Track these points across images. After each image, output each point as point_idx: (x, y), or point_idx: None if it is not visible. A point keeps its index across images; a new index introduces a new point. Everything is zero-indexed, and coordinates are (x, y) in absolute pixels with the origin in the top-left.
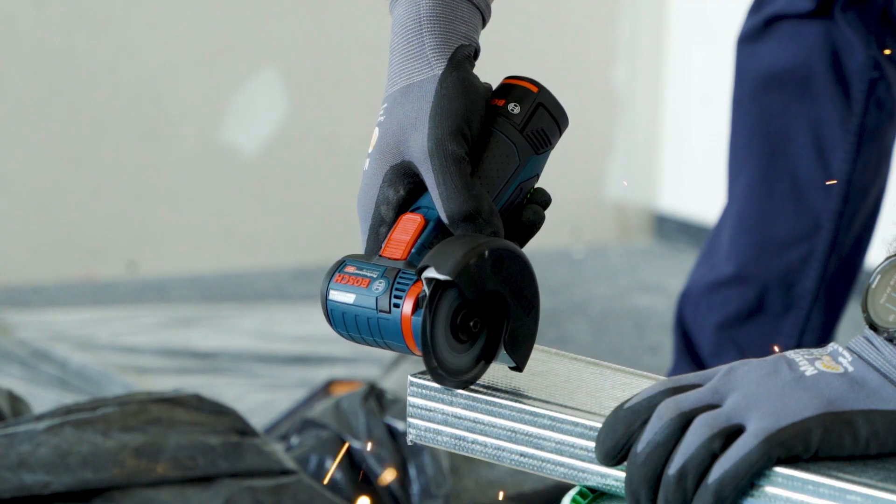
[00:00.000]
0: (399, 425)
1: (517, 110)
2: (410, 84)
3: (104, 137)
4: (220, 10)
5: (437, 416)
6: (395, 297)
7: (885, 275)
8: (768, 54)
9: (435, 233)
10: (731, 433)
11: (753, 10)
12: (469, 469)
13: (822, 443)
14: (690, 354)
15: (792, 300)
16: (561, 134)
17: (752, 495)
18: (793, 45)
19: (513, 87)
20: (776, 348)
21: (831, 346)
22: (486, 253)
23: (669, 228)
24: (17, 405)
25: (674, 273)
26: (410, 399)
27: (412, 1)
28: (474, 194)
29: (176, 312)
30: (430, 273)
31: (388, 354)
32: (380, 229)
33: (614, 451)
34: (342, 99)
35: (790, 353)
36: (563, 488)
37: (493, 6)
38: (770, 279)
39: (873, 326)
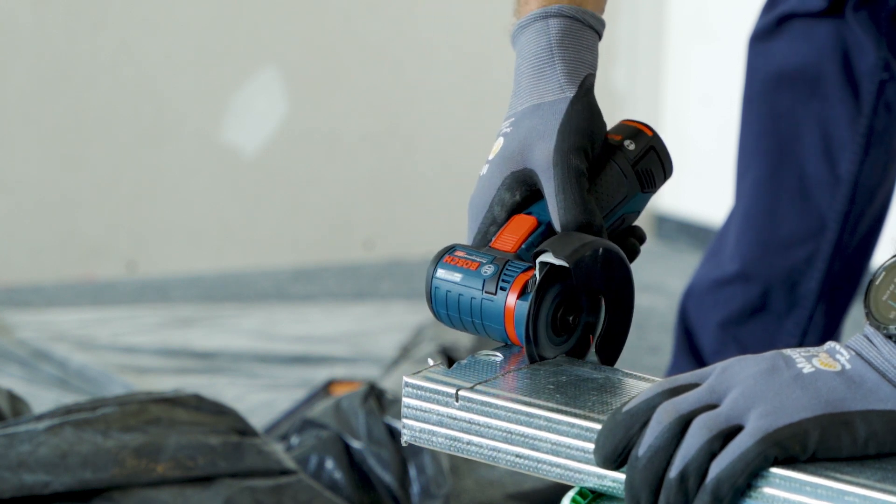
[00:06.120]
0: (399, 425)
1: (632, 147)
2: (541, 103)
3: (104, 137)
4: (220, 9)
5: (431, 417)
6: (503, 280)
7: (889, 272)
8: (779, 53)
9: (544, 237)
10: (731, 433)
11: (766, 9)
12: (469, 469)
13: (819, 444)
14: (691, 351)
15: (795, 300)
16: (665, 180)
17: (750, 496)
18: (804, 44)
19: (629, 127)
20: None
21: (828, 345)
22: (601, 251)
23: (669, 228)
24: (17, 405)
25: (674, 273)
26: (405, 400)
27: (540, 31)
28: (589, 208)
29: (176, 312)
30: (547, 257)
31: (388, 354)
32: (489, 228)
33: (614, 455)
34: (342, 99)
35: (787, 350)
36: (564, 487)
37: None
38: (774, 278)
39: (874, 322)
